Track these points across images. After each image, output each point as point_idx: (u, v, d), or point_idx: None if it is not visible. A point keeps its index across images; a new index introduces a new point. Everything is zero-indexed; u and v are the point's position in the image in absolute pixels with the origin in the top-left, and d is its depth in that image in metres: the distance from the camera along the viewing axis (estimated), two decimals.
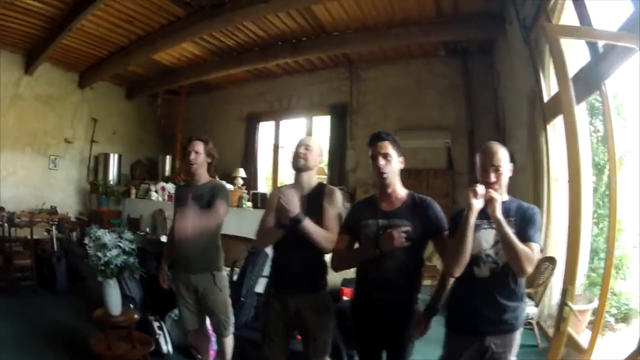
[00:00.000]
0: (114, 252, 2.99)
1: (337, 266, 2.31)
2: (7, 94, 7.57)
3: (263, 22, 6.19)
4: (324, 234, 2.23)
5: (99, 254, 2.96)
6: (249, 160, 8.39)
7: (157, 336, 3.65)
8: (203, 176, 2.97)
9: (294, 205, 2.18)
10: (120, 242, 3.05)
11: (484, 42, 6.36)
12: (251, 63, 7.28)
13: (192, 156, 2.88)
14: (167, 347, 3.67)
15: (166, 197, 7.41)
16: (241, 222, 5.21)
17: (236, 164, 7.91)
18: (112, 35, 6.77)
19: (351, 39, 6.41)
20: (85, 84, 8.63)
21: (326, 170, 7.52)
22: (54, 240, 6.12)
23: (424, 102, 6.98)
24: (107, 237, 3.04)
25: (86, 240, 3.11)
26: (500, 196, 1.88)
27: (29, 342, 3.80)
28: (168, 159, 8.92)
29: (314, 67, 7.72)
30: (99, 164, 8.82)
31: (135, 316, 3.31)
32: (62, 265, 5.56)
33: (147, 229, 7.19)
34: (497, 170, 1.93)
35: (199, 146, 2.91)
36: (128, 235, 3.18)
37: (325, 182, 5.50)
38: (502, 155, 1.95)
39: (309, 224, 2.19)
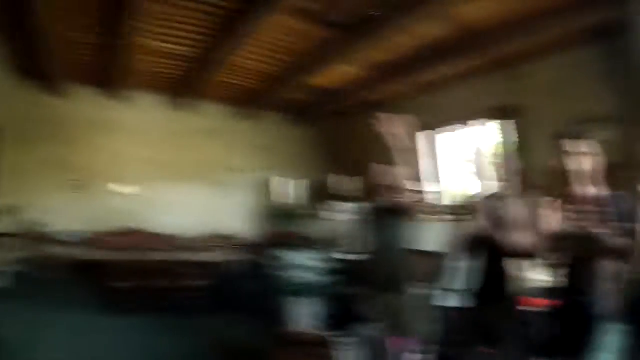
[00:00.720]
0: (310, 271, 3.18)
1: None
2: (168, 132, 8.71)
3: (413, 33, 5.94)
4: None
5: (289, 273, 3.16)
6: (430, 174, 8.04)
7: (339, 354, 3.58)
8: None
9: None
10: (309, 261, 3.21)
11: None
12: (409, 75, 7.10)
13: None
14: None
15: (345, 217, 7.29)
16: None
17: (417, 177, 7.61)
18: (264, 67, 7.09)
19: (501, 38, 5.96)
20: (249, 115, 9.25)
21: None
22: (228, 263, 6.42)
23: (582, 93, 6.09)
24: (296, 257, 3.24)
25: (272, 262, 3.37)
26: None
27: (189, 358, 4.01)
28: (340, 179, 8.68)
29: (470, 72, 7.21)
30: (274, 188, 8.96)
31: (321, 334, 3.31)
32: (238, 287, 5.66)
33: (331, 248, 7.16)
34: None
35: None
36: (317, 254, 3.34)
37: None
38: None
39: None
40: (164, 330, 4.75)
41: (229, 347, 4.23)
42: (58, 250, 7.71)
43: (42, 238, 7.69)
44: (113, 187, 8.43)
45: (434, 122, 7.98)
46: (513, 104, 6.84)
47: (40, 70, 7.15)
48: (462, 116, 7.58)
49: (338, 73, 7.28)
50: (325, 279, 3.17)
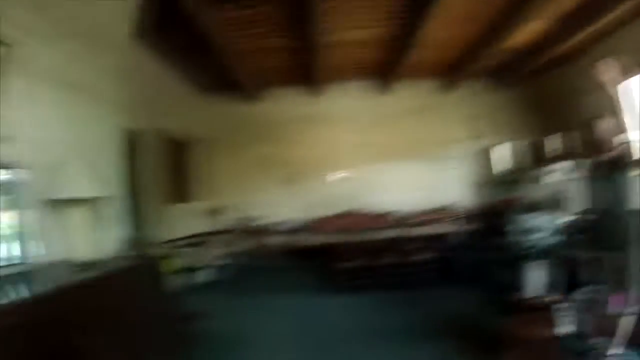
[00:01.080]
0: (541, 234, 2.98)
1: None
2: (375, 116, 9.10)
3: None
4: None
5: (525, 237, 2.99)
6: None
7: (562, 315, 3.44)
8: None
9: None
10: (543, 224, 3.02)
11: None
12: (595, 20, 6.24)
13: None
14: (569, 327, 3.41)
15: (565, 177, 6.83)
16: None
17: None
18: (459, 35, 6.93)
19: None
20: (452, 87, 9.17)
21: None
22: (453, 234, 6.42)
23: None
24: (535, 220, 3.04)
25: (503, 228, 3.23)
26: None
27: (423, 332, 3.95)
28: (553, 138, 8.09)
29: None
30: (488, 156, 8.99)
31: (549, 299, 3.15)
32: (464, 257, 5.66)
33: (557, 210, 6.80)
34: None
35: None
36: (547, 217, 3.12)
37: None
38: None
39: None
40: (392, 305, 4.88)
41: (460, 319, 4.20)
42: (277, 240, 8.53)
43: (259, 231, 8.57)
44: (327, 174, 9.06)
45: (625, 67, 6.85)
46: None
47: (231, 82, 7.99)
48: None
49: (528, 31, 6.80)
50: (557, 241, 3.04)
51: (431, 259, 5.73)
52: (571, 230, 3.15)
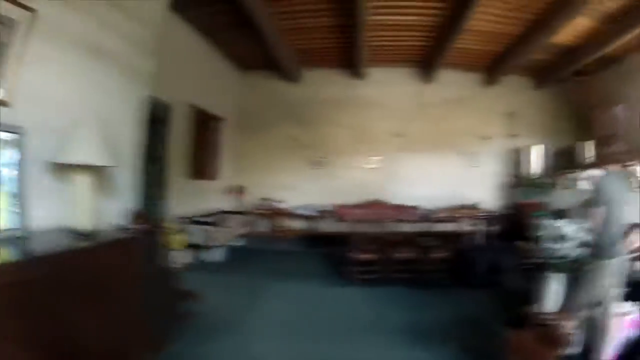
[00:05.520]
0: (572, 243, 2.76)
1: None
2: (410, 103, 8.85)
3: None
4: None
5: (556, 245, 2.77)
6: None
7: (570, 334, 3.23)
8: None
9: None
10: (573, 233, 2.79)
11: None
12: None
13: None
14: (576, 347, 3.17)
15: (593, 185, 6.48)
16: None
17: None
18: (505, 28, 6.70)
19: None
20: (492, 81, 8.89)
21: None
22: (475, 234, 6.26)
23: None
24: (567, 227, 2.82)
25: (538, 232, 2.95)
26: None
27: (426, 331, 3.81)
28: (587, 144, 7.97)
29: None
30: (520, 156, 8.75)
31: (568, 316, 2.94)
32: (482, 259, 5.46)
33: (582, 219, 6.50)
34: None
35: None
36: (587, 225, 2.88)
37: None
38: None
39: None
40: (403, 302, 4.74)
41: (468, 323, 4.05)
42: (296, 224, 8.47)
43: (279, 213, 8.46)
44: (355, 161, 8.90)
45: None
46: None
47: (269, 60, 7.84)
48: None
49: (577, 28, 6.49)
50: (583, 254, 2.82)
51: (449, 258, 5.57)
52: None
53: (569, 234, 2.77)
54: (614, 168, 3.28)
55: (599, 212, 3.02)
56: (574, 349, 3.22)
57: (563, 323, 2.84)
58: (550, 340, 2.79)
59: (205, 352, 3.26)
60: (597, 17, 6.18)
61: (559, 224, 2.85)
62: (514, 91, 8.98)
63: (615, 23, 6.26)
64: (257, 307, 4.41)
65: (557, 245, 2.77)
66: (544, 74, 8.71)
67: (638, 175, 5.41)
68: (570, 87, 8.70)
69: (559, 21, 6.03)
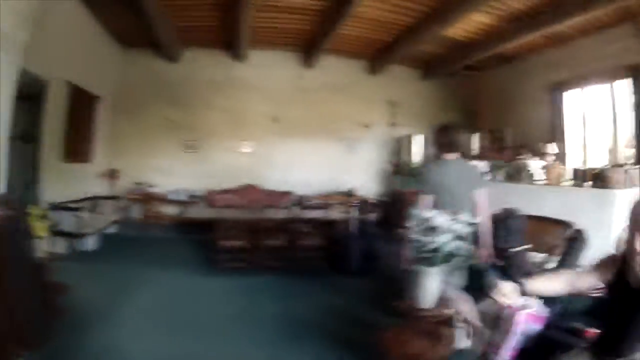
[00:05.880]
0: (446, 236, 2.59)
1: None
2: (290, 88, 8.72)
3: None
4: None
5: (427, 238, 2.58)
6: (556, 134, 7.39)
7: (458, 328, 3.39)
8: None
9: None
10: (454, 225, 2.61)
11: None
12: (544, 25, 6.30)
13: None
14: (466, 342, 3.41)
15: None
16: (561, 202, 4.63)
17: (543, 138, 7.02)
18: (396, 17, 6.67)
19: None
20: (377, 70, 8.93)
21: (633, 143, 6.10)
22: (351, 221, 6.12)
23: None
24: (439, 218, 2.62)
25: (409, 223, 2.73)
26: None
27: (298, 323, 3.68)
28: (473, 137, 8.40)
29: (603, 25, 6.34)
30: (401, 145, 8.94)
31: (450, 312, 2.75)
32: (356, 247, 5.36)
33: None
34: None
35: None
36: (465, 217, 2.69)
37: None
38: None
39: None
40: (273, 292, 4.59)
41: (340, 313, 3.96)
42: (166, 210, 7.96)
43: (152, 198, 7.90)
44: (231, 145, 8.59)
45: (563, 79, 7.33)
46: None
47: (150, 38, 7.15)
48: (593, 73, 6.76)
49: (471, 24, 6.68)
50: (464, 246, 2.65)
51: (323, 245, 5.52)
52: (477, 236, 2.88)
53: (441, 226, 2.60)
54: (450, 157, 3.28)
55: (425, 199, 3.14)
56: (464, 344, 3.49)
57: (444, 318, 2.72)
58: (431, 337, 2.65)
59: (77, 349, 2.98)
60: (496, 15, 6.38)
61: (429, 215, 2.65)
62: (399, 81, 9.22)
63: (512, 23, 6.52)
64: (128, 300, 4.10)
65: (428, 238, 2.59)
66: (433, 66, 8.91)
67: (529, 168, 5.74)
68: (460, 81, 9.06)
69: (453, 15, 6.11)
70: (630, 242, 1.67)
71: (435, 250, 2.61)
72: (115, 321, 3.56)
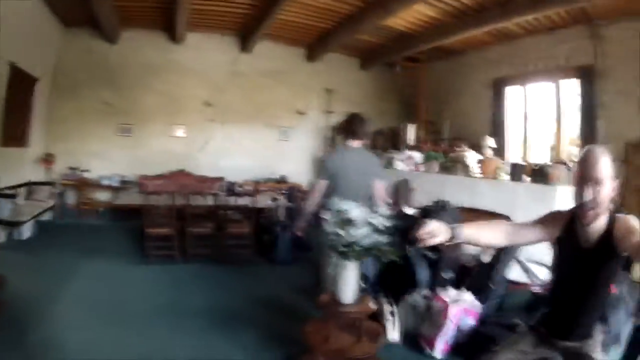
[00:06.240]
0: (363, 230, 2.41)
1: None
2: (226, 72, 8.55)
3: None
4: None
5: (342, 231, 2.39)
6: (497, 129, 7.50)
7: (386, 322, 3.27)
8: None
9: None
10: (372, 218, 2.44)
11: None
12: (491, 22, 6.28)
13: None
14: (394, 335, 3.26)
15: (413, 167, 6.76)
16: (498, 196, 4.74)
17: (483, 132, 7.06)
18: (337, 5, 6.57)
19: None
20: (315, 57, 8.89)
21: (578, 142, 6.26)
22: (279, 209, 6.08)
23: None
24: (355, 211, 2.47)
25: (325, 214, 2.59)
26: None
27: (226, 314, 3.68)
28: (410, 127, 8.36)
29: (555, 26, 6.45)
30: (336, 134, 8.91)
31: (371, 306, 2.74)
32: (285, 235, 5.34)
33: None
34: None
35: None
36: (384, 210, 2.56)
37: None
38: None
39: None
40: (198, 280, 4.59)
41: (267, 304, 3.97)
42: (99, 196, 7.71)
43: (86, 184, 7.61)
44: (165, 129, 8.34)
45: (507, 75, 7.46)
46: (595, 64, 6.04)
47: (90, 17, 6.74)
48: (543, 70, 6.89)
49: (415, 15, 6.61)
50: (385, 239, 2.43)
51: (252, 232, 5.53)
52: (400, 226, 2.64)
53: (358, 219, 2.43)
54: (353, 144, 3.37)
55: (318, 185, 3.28)
56: (394, 337, 3.26)
57: (367, 313, 2.68)
58: (354, 332, 2.59)
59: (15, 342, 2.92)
60: (440, 9, 6.33)
61: (346, 207, 2.49)
62: (337, 69, 9.22)
63: (458, 18, 6.50)
64: (63, 292, 3.98)
65: (343, 231, 2.40)
66: (372, 56, 8.91)
67: (465, 160, 5.78)
68: (400, 72, 9.05)
69: (396, 5, 6.01)
70: (578, 195, 1.67)
71: (352, 244, 2.43)
72: (51, 313, 3.50)
